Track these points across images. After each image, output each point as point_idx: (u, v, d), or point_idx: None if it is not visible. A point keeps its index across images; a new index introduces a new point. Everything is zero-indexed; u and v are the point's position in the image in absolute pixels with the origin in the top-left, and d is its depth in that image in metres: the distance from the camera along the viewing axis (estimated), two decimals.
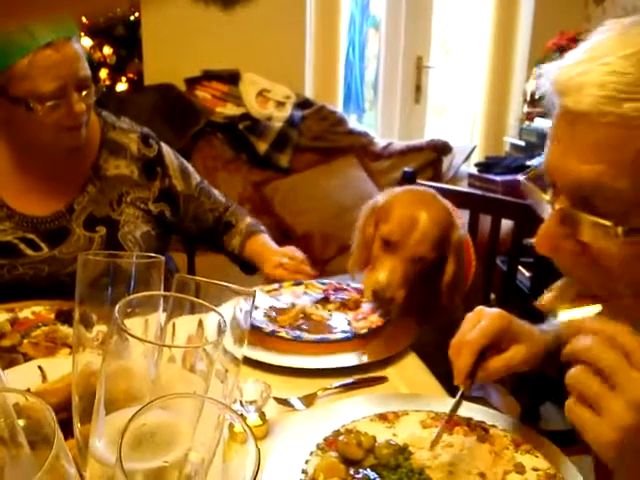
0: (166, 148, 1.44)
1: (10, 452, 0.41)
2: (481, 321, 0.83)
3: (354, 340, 1.09)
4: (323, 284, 1.30)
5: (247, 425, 0.35)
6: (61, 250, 1.28)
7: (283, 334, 1.08)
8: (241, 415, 0.43)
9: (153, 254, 0.61)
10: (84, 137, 1.26)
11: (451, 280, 1.20)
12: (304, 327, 1.13)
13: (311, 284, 1.29)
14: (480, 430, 0.83)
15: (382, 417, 0.86)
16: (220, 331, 0.46)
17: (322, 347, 1.07)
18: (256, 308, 1.14)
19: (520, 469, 0.77)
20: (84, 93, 1.21)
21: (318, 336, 1.09)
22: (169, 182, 1.41)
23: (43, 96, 1.15)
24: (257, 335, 1.07)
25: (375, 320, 1.15)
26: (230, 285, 0.54)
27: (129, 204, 1.34)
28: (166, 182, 1.40)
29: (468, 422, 0.84)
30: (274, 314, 1.15)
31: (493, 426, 0.84)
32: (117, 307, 0.45)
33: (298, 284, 1.29)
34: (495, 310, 0.85)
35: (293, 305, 1.18)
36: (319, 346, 1.07)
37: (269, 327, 1.09)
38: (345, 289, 1.29)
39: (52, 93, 1.16)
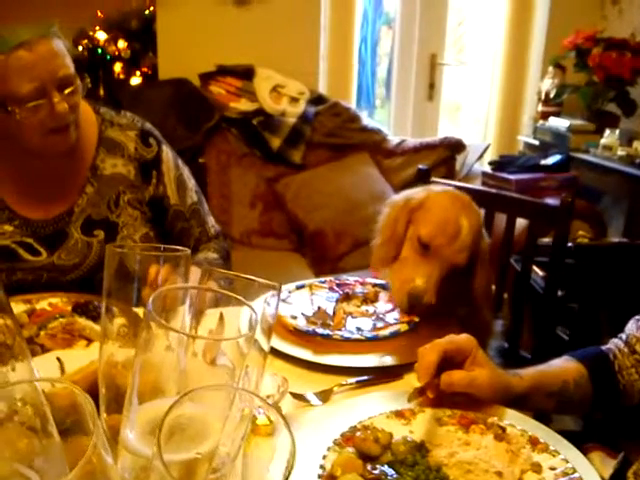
0: (167, 152, 1.36)
1: (41, 442, 0.41)
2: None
3: (379, 341, 1.09)
4: (323, 282, 1.30)
5: (283, 416, 0.35)
6: (60, 256, 1.25)
7: (338, 337, 1.08)
8: (267, 409, 0.43)
9: (180, 247, 0.61)
10: (74, 138, 1.21)
11: (482, 288, 1.20)
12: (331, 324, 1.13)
13: (314, 284, 1.29)
14: (497, 429, 0.83)
15: (399, 414, 0.86)
16: (252, 325, 0.46)
17: (351, 345, 1.08)
18: (294, 318, 1.13)
19: (537, 468, 0.77)
20: (67, 91, 1.15)
21: (370, 334, 1.10)
22: (163, 191, 1.34)
23: (21, 98, 1.10)
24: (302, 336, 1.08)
25: (404, 322, 1.14)
26: (256, 278, 0.54)
27: (127, 204, 1.29)
28: (160, 190, 1.33)
29: (485, 421, 0.84)
30: (319, 321, 1.14)
31: (510, 425, 0.84)
32: (150, 300, 0.45)
33: (300, 287, 1.27)
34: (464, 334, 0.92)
35: (320, 308, 1.17)
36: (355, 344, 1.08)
37: (325, 332, 1.09)
38: (349, 283, 1.29)
39: (30, 94, 1.10)
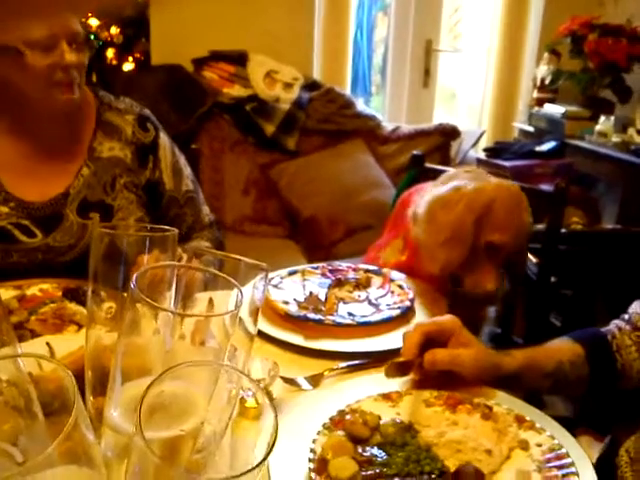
0: (164, 139, 1.37)
1: (25, 421, 0.41)
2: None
3: (371, 326, 1.09)
4: (315, 268, 1.29)
5: (267, 395, 0.35)
6: (55, 237, 1.26)
7: (330, 322, 1.07)
8: (254, 391, 0.43)
9: (167, 227, 0.61)
10: (77, 98, 1.22)
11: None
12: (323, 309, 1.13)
13: (307, 270, 1.28)
14: (484, 408, 0.83)
15: (385, 396, 0.86)
16: (237, 303, 0.46)
17: (352, 330, 1.07)
18: (286, 303, 1.13)
19: (524, 445, 0.78)
20: (74, 46, 1.18)
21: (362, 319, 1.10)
22: (159, 176, 1.35)
23: (33, 42, 1.13)
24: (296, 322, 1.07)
25: (396, 308, 1.14)
26: (244, 258, 0.54)
27: (123, 188, 1.30)
28: (156, 175, 1.34)
29: (471, 401, 0.85)
30: (311, 306, 1.13)
31: (496, 404, 0.84)
32: (134, 277, 0.45)
33: (292, 273, 1.27)
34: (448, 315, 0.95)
35: (312, 293, 1.16)
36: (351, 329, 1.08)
37: (317, 317, 1.08)
38: (341, 269, 1.28)
39: (42, 40, 1.13)
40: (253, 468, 0.32)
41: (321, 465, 0.72)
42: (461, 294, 1.25)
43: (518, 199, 1.21)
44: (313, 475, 0.70)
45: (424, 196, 1.26)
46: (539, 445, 0.77)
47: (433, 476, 0.71)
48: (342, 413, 0.81)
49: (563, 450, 0.75)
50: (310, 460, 0.73)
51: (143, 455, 0.32)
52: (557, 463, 0.74)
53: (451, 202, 1.19)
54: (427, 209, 1.22)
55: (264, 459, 0.32)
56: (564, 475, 0.72)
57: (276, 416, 0.34)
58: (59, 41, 1.16)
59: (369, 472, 0.71)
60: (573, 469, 0.73)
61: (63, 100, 1.20)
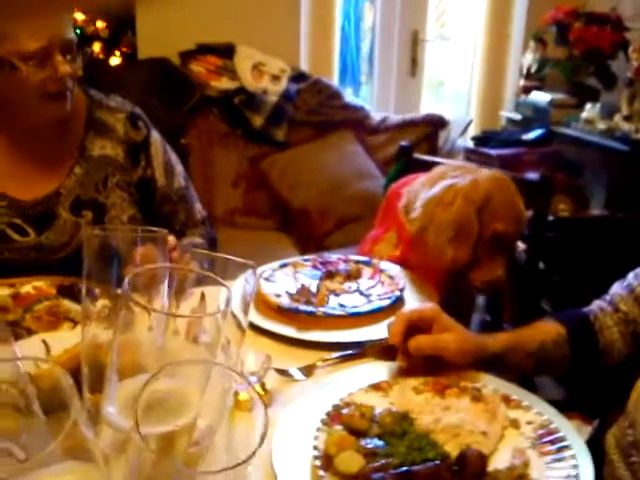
0: (155, 137, 1.38)
1: (26, 420, 0.43)
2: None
3: (362, 316, 1.11)
4: (306, 260, 1.31)
5: (255, 390, 0.37)
6: (48, 236, 1.26)
7: (321, 313, 1.09)
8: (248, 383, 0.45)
9: (156, 228, 0.62)
10: (68, 108, 1.23)
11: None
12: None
13: (298, 263, 1.30)
14: (472, 390, 0.85)
15: (376, 387, 0.88)
16: (227, 302, 0.47)
17: (346, 321, 1.10)
18: (278, 296, 1.14)
19: (515, 424, 0.80)
20: (69, 57, 1.18)
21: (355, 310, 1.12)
22: (151, 174, 1.35)
23: (27, 55, 1.13)
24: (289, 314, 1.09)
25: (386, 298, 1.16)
26: (233, 257, 0.56)
27: (115, 186, 1.31)
28: (148, 172, 1.35)
29: (457, 384, 0.87)
30: (303, 298, 1.14)
31: (483, 386, 0.86)
32: (125, 281, 0.46)
33: (284, 266, 1.28)
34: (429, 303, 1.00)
35: (303, 286, 1.18)
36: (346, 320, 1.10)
37: (309, 308, 1.10)
38: (332, 261, 1.30)
39: (36, 52, 1.13)
40: (244, 461, 0.33)
41: (326, 461, 0.72)
42: (466, 285, 1.28)
43: (512, 188, 1.24)
44: (322, 472, 0.70)
45: (416, 200, 1.28)
46: (529, 423, 0.80)
47: (437, 462, 0.72)
48: (337, 407, 0.82)
49: (553, 425, 0.78)
50: (315, 457, 0.73)
51: (140, 450, 0.33)
52: (549, 438, 0.77)
53: (448, 200, 1.21)
54: (423, 211, 1.24)
55: (254, 453, 0.34)
56: (558, 449, 0.75)
57: (266, 413, 0.35)
58: (53, 52, 1.15)
59: (375, 464, 0.71)
60: (566, 442, 0.75)
61: (55, 109, 1.21)
